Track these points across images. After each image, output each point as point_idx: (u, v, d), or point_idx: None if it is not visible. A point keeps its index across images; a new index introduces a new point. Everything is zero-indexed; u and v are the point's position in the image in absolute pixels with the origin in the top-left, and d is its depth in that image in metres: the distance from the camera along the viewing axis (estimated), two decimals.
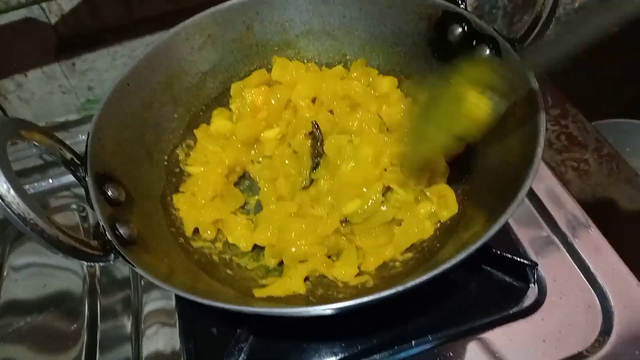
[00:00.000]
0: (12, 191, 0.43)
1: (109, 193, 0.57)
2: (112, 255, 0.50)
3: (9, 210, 0.42)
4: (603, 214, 0.77)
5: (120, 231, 0.53)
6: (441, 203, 0.67)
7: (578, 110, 0.90)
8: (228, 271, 0.65)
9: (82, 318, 0.69)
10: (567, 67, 1.07)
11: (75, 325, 0.69)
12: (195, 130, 0.74)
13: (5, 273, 0.75)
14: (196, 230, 0.68)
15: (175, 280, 0.54)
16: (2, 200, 0.42)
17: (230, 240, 0.68)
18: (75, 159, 0.55)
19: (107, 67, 0.98)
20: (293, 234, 0.63)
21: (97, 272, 0.73)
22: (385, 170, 0.68)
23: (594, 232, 0.70)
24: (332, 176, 0.69)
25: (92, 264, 0.49)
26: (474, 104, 0.55)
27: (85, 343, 0.67)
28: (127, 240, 0.54)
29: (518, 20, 0.99)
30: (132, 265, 0.50)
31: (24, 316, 0.70)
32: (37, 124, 0.95)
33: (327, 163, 0.70)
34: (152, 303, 0.70)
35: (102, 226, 0.52)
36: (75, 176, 0.56)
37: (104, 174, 0.57)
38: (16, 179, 0.43)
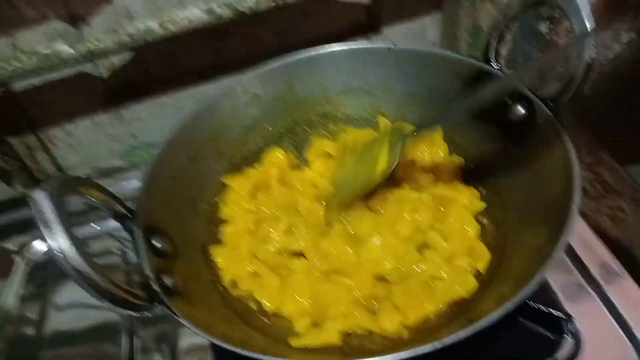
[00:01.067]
0: (73, 248, 0.45)
1: (157, 244, 0.59)
2: (159, 306, 0.53)
3: (67, 265, 0.45)
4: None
5: (166, 282, 0.56)
6: (474, 255, 0.67)
7: (613, 159, 0.90)
8: (264, 319, 0.66)
9: (120, 351, 0.72)
10: (600, 111, 1.07)
11: (115, 356, 0.71)
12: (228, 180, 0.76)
13: (47, 310, 0.78)
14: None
15: (214, 329, 0.56)
16: (65, 255, 0.45)
17: (258, 297, 0.67)
18: (126, 212, 0.58)
19: (153, 116, 1.03)
20: (328, 297, 0.64)
21: None
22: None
23: (629, 283, 0.70)
24: (355, 250, 0.68)
25: (139, 314, 0.51)
26: (381, 163, 0.67)
27: None
28: (172, 291, 0.56)
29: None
30: (177, 317, 0.52)
31: (66, 345, 0.74)
32: (83, 169, 1.02)
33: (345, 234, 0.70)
34: (188, 339, 0.72)
35: (149, 277, 0.55)
36: (124, 227, 0.59)
37: (152, 227, 0.60)
38: (74, 236, 0.46)
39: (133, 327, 0.74)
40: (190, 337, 0.72)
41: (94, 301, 0.75)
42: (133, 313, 0.50)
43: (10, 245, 0.89)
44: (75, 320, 0.77)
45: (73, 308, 0.79)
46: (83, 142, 1.03)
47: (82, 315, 0.77)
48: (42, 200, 0.46)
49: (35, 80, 0.91)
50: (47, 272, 0.84)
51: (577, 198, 0.55)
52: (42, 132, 1.00)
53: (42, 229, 0.45)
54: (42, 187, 0.47)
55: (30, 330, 0.76)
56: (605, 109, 1.11)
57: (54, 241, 0.45)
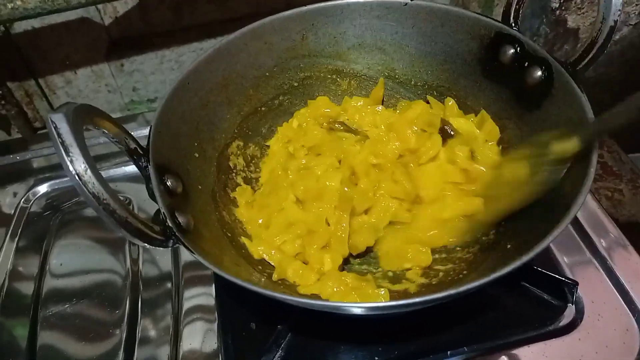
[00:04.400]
0: (89, 171, 0.44)
1: (168, 183, 0.58)
2: (172, 241, 0.52)
3: (84, 189, 0.44)
4: (637, 243, 0.77)
5: (179, 219, 0.55)
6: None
7: (614, 141, 0.91)
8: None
9: (123, 310, 0.71)
10: (605, 100, 1.08)
11: (116, 315, 0.70)
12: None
13: (47, 266, 0.76)
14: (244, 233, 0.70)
15: (226, 269, 0.56)
16: (80, 179, 0.44)
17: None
18: (138, 149, 0.57)
19: (154, 70, 1.01)
20: None
21: (140, 267, 0.75)
22: None
23: (634, 257, 0.70)
24: None
25: (154, 247, 0.50)
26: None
27: (125, 335, 0.68)
28: (185, 229, 0.55)
29: (558, 49, 1.00)
30: (191, 251, 0.52)
31: (65, 303, 0.72)
32: None
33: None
34: (192, 300, 0.71)
35: (163, 213, 0.54)
36: (137, 165, 0.57)
37: (163, 166, 0.59)
38: (92, 160, 0.45)
39: (138, 285, 0.73)
40: (196, 298, 0.71)
41: (98, 258, 0.76)
42: (147, 245, 0.49)
43: (5, 194, 0.87)
44: (80, 275, 0.75)
45: (76, 263, 0.77)
46: (82, 91, 1.01)
47: (86, 270, 0.76)
48: (60, 122, 0.44)
49: (36, 23, 0.89)
50: (43, 225, 0.82)
51: (594, 159, 0.55)
52: (41, 78, 0.98)
53: (60, 151, 0.44)
54: (59, 110, 0.45)
55: (25, 286, 0.75)
56: (608, 92, 1.12)
57: (71, 164, 0.44)
